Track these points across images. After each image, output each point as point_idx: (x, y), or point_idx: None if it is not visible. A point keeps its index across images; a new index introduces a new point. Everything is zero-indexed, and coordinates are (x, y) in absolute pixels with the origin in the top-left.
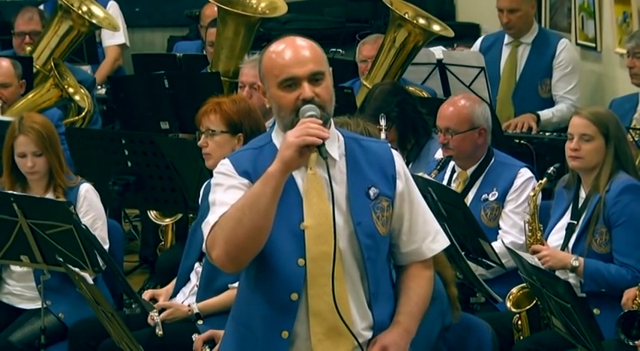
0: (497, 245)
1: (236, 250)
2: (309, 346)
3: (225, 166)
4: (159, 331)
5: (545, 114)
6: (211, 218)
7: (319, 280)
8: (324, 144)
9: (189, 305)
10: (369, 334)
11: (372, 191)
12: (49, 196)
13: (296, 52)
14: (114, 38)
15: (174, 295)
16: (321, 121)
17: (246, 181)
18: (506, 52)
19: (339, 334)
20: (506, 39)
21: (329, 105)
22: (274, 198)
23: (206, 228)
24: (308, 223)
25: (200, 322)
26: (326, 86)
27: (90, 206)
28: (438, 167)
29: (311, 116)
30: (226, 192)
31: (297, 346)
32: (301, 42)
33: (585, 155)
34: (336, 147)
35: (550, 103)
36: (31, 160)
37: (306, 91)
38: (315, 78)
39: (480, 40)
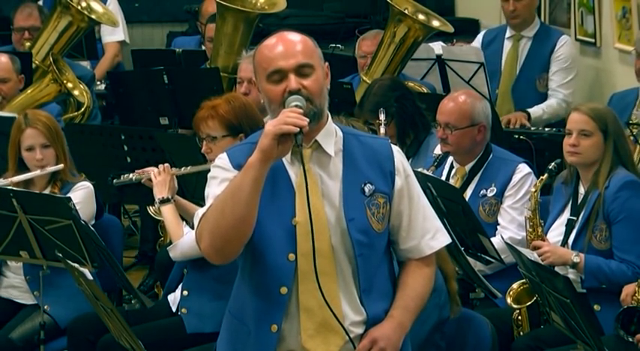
0: (496, 241)
1: (221, 242)
2: (300, 341)
3: (222, 160)
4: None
5: (536, 111)
6: (201, 211)
7: (310, 275)
8: (301, 132)
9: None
10: (360, 330)
11: (368, 188)
12: (49, 190)
13: (285, 45)
14: (114, 35)
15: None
16: (301, 111)
17: None
18: (508, 45)
19: (330, 330)
20: (508, 32)
21: (317, 98)
22: (255, 188)
23: (196, 220)
24: (300, 219)
25: (185, 292)
26: (315, 79)
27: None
28: (435, 163)
29: (295, 107)
30: (220, 185)
31: (288, 341)
32: (292, 36)
33: (584, 151)
34: (332, 143)
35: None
36: (40, 152)
37: (292, 83)
38: (302, 70)
39: (481, 34)
